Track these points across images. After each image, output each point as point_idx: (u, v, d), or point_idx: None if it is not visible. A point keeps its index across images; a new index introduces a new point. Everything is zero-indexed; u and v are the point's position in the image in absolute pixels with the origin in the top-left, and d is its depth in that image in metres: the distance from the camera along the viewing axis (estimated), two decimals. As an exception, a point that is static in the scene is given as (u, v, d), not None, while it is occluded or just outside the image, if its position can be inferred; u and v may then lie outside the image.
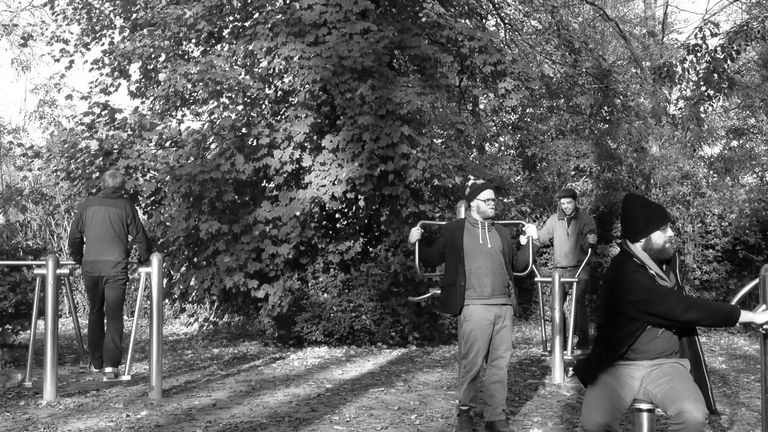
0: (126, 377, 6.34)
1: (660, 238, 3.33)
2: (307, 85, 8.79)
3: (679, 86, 14.93)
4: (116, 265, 6.55)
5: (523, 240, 5.14)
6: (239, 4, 9.65)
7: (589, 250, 7.98)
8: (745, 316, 3.19)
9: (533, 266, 6.03)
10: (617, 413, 3.24)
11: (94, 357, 6.82)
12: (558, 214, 8.37)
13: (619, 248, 3.47)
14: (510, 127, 16.14)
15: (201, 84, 8.85)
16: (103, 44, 10.77)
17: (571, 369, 7.19)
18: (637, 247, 3.33)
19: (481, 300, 4.76)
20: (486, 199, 4.90)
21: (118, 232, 6.54)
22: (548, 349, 7.16)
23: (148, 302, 6.38)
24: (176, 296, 9.70)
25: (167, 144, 9.73)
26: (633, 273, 3.26)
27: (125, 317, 10.09)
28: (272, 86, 9.81)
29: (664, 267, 3.39)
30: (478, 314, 4.76)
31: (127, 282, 6.98)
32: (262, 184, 9.61)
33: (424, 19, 10.33)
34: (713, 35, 13.62)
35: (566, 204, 8.21)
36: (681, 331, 3.37)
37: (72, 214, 11.70)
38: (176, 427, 5.07)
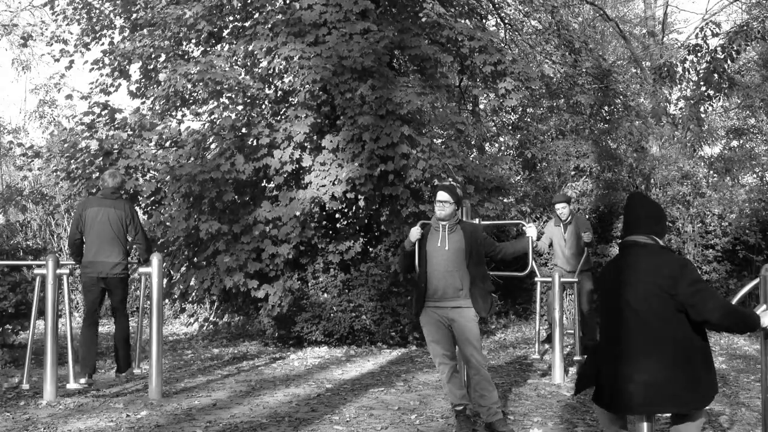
0: (137, 370, 6.50)
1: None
2: (307, 85, 8.79)
3: (679, 86, 14.93)
4: (116, 265, 6.53)
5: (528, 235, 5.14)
6: (239, 4, 9.65)
7: (586, 249, 7.98)
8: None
9: (533, 266, 6.02)
10: None
11: (85, 365, 6.49)
12: (554, 220, 8.40)
13: (628, 244, 3.35)
14: (510, 127, 16.13)
15: (201, 84, 8.85)
16: (103, 44, 10.77)
17: (571, 369, 7.20)
18: (662, 243, 3.32)
19: (431, 302, 4.81)
20: (438, 201, 4.88)
21: (117, 233, 6.53)
22: (539, 353, 7.21)
23: (148, 302, 6.38)
24: (176, 296, 9.70)
25: (167, 144, 9.72)
26: (688, 263, 3.18)
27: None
28: (272, 86, 9.81)
29: None
30: (425, 316, 4.85)
31: (128, 281, 6.95)
32: (262, 184, 9.61)
33: (424, 19, 10.32)
34: (714, 35, 13.63)
35: (561, 209, 8.25)
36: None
37: (72, 214, 11.69)
38: (176, 427, 5.07)
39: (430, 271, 4.79)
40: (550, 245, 8.51)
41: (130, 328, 7.07)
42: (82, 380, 6.37)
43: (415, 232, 5.03)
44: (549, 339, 7.89)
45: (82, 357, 6.50)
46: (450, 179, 8.88)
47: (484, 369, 4.76)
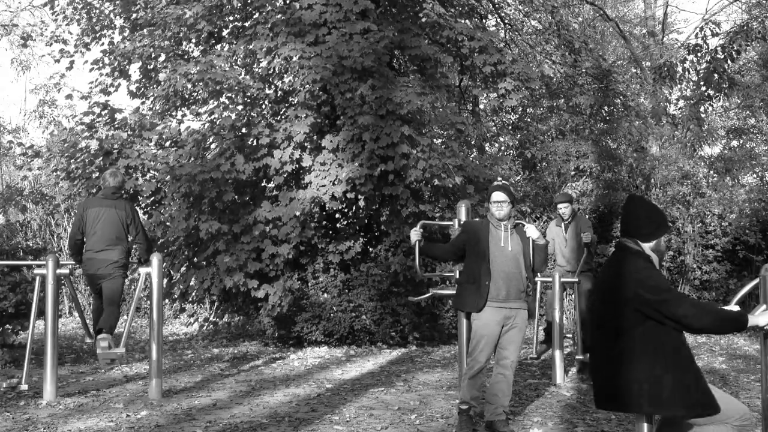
0: (120, 350, 6.17)
1: (663, 241, 3.40)
2: (307, 85, 8.79)
3: (679, 86, 14.93)
4: (114, 263, 6.51)
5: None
6: (239, 4, 9.65)
7: (586, 249, 7.97)
8: (750, 320, 3.18)
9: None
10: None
11: (104, 324, 6.38)
12: (556, 220, 8.38)
13: (619, 246, 3.42)
14: (510, 127, 16.13)
15: (201, 84, 8.85)
16: (103, 44, 10.77)
17: (572, 369, 7.20)
18: (646, 247, 3.34)
19: (494, 302, 4.82)
20: (495, 201, 4.93)
21: (118, 233, 6.52)
22: (537, 353, 7.20)
23: (148, 302, 6.37)
24: (176, 296, 9.70)
25: (167, 144, 9.73)
26: (651, 270, 3.23)
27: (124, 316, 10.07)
28: (272, 86, 9.81)
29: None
30: (488, 314, 4.82)
31: (126, 278, 6.93)
32: (262, 184, 9.61)
33: (424, 19, 10.32)
34: (714, 35, 13.63)
35: (563, 209, 8.22)
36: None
37: (72, 214, 11.70)
38: (176, 427, 5.07)
39: (494, 270, 4.82)
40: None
41: (132, 327, 7.04)
42: (102, 338, 6.05)
43: (413, 234, 5.03)
44: (548, 340, 7.87)
45: (102, 320, 6.32)
46: (448, 178, 8.88)
47: (512, 372, 4.85)
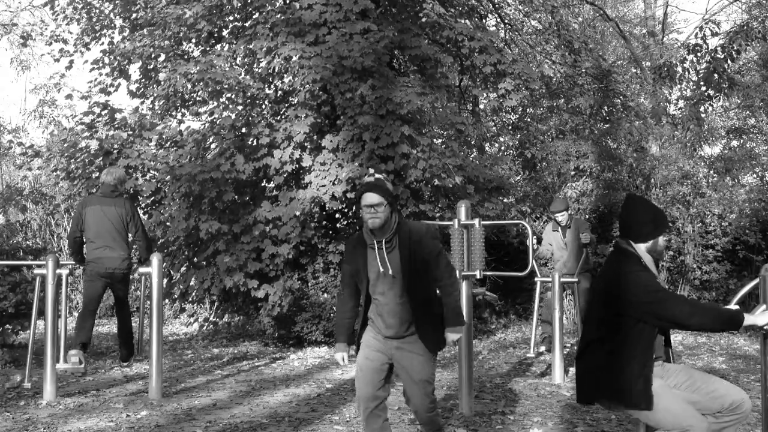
0: (140, 356, 6.52)
1: (662, 241, 3.40)
2: (307, 85, 8.79)
3: (679, 86, 14.93)
4: (123, 260, 6.49)
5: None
6: (239, 4, 9.65)
7: (585, 250, 7.97)
8: (747, 319, 3.19)
9: (534, 266, 6.02)
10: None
11: (78, 335, 6.41)
12: (552, 224, 8.38)
13: (615, 247, 3.44)
14: (510, 127, 16.13)
15: (201, 84, 8.85)
16: (102, 44, 10.77)
17: (572, 369, 7.19)
18: (641, 248, 3.35)
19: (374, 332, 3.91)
20: (367, 204, 3.72)
21: (118, 230, 6.51)
22: (534, 352, 7.19)
23: (148, 302, 6.38)
24: (176, 296, 9.69)
25: (167, 144, 9.72)
26: (641, 273, 3.25)
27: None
28: (272, 86, 9.81)
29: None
30: (367, 342, 3.90)
31: (130, 276, 6.94)
32: (262, 184, 9.61)
33: (424, 19, 10.32)
34: (714, 35, 13.63)
35: (560, 217, 8.23)
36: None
37: (72, 213, 11.67)
38: (176, 427, 5.07)
39: (376, 301, 3.88)
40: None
41: (132, 324, 7.08)
42: (73, 354, 6.14)
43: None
44: (547, 342, 7.86)
45: (76, 329, 6.38)
46: (448, 178, 8.87)
47: (427, 414, 3.90)
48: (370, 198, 3.71)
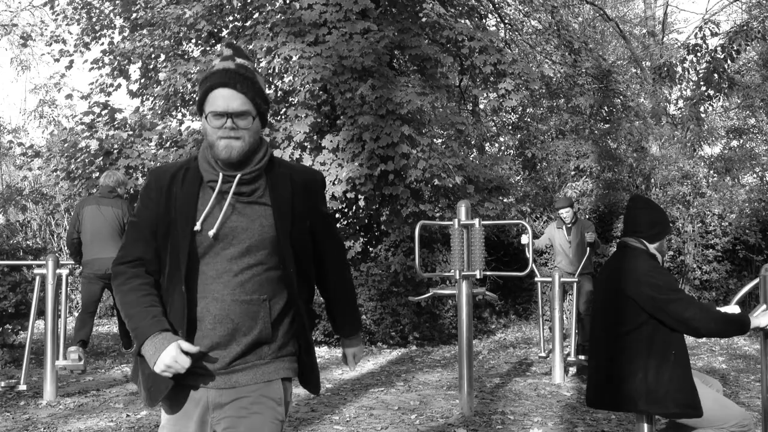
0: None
1: (665, 241, 3.41)
2: (307, 85, 8.80)
3: (679, 86, 14.94)
4: None
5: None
6: (239, 4, 9.66)
7: (588, 249, 7.96)
8: (751, 322, 3.19)
9: (533, 266, 6.02)
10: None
11: (78, 333, 6.51)
12: (556, 222, 8.33)
13: (625, 245, 3.40)
14: (510, 127, 16.14)
15: (201, 84, 8.85)
16: (102, 44, 10.78)
17: (571, 369, 7.20)
18: (651, 248, 3.34)
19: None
20: (217, 112, 2.05)
21: (115, 231, 6.52)
22: (545, 351, 7.16)
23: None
24: (176, 296, 9.68)
25: (167, 144, 9.72)
26: (660, 269, 3.23)
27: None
28: (272, 86, 9.81)
29: None
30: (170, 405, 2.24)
31: None
32: (263, 184, 9.60)
33: (424, 19, 10.33)
34: (713, 35, 13.64)
35: (565, 213, 8.19)
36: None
37: (71, 213, 11.66)
38: (176, 427, 5.07)
39: None
40: (551, 246, 8.47)
41: None
42: (72, 351, 6.15)
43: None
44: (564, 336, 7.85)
45: (76, 330, 6.49)
46: (448, 178, 8.87)
47: None
48: (228, 99, 1.98)
